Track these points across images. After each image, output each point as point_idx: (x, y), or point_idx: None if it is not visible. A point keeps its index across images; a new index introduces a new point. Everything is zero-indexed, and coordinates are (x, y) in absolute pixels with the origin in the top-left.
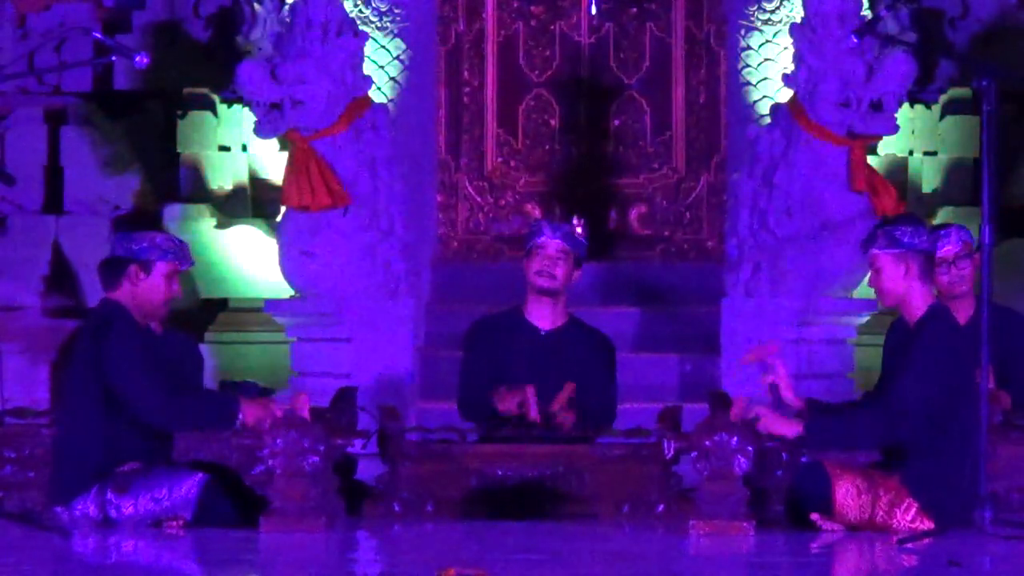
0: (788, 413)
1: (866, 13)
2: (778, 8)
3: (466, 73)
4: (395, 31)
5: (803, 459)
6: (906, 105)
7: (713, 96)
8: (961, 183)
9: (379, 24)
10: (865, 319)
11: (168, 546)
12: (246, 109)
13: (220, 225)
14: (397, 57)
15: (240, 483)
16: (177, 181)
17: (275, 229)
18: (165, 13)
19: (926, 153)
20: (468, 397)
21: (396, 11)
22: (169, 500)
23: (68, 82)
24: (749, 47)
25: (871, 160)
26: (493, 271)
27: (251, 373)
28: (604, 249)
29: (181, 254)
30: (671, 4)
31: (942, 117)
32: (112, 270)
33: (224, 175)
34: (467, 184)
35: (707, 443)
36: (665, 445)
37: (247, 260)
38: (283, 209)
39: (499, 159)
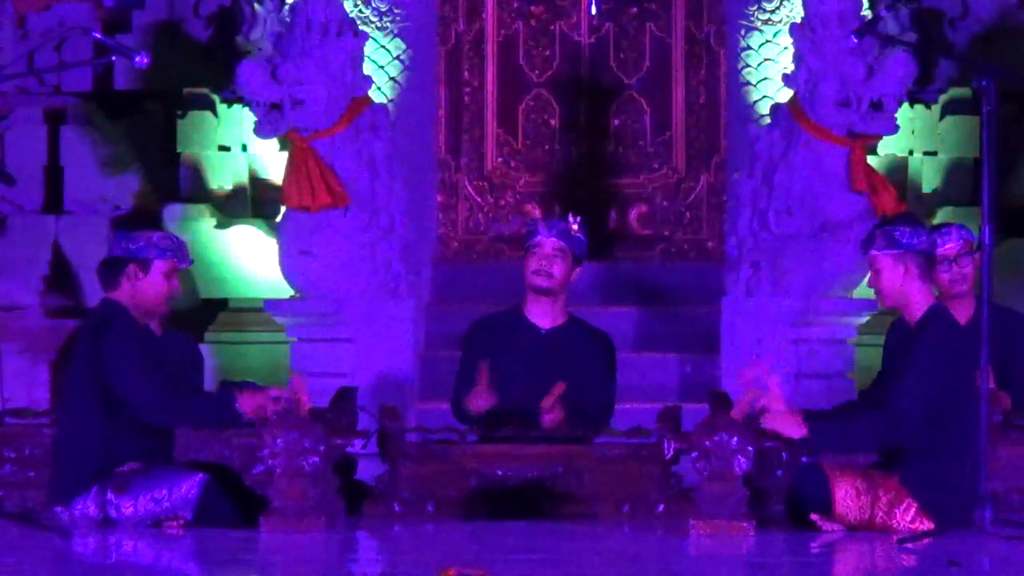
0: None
1: (866, 13)
2: (778, 8)
3: (466, 73)
4: (395, 31)
5: (803, 459)
6: (906, 105)
7: (713, 96)
8: (961, 183)
9: (379, 24)
10: (865, 319)
11: (168, 546)
12: (246, 109)
13: (220, 225)
14: (397, 57)
15: (240, 483)
16: (177, 181)
17: (275, 229)
18: (165, 13)
19: (926, 153)
20: (461, 399)
21: (396, 11)
22: (169, 500)
23: (68, 82)
24: (749, 47)
25: (871, 160)
26: (493, 271)
27: (251, 373)
28: (604, 249)
29: (179, 252)
30: (671, 4)
31: (942, 117)
32: (111, 270)
33: (224, 175)
34: (467, 184)
35: (707, 443)
36: (665, 445)
37: (247, 260)
38: (283, 209)
39: (499, 159)
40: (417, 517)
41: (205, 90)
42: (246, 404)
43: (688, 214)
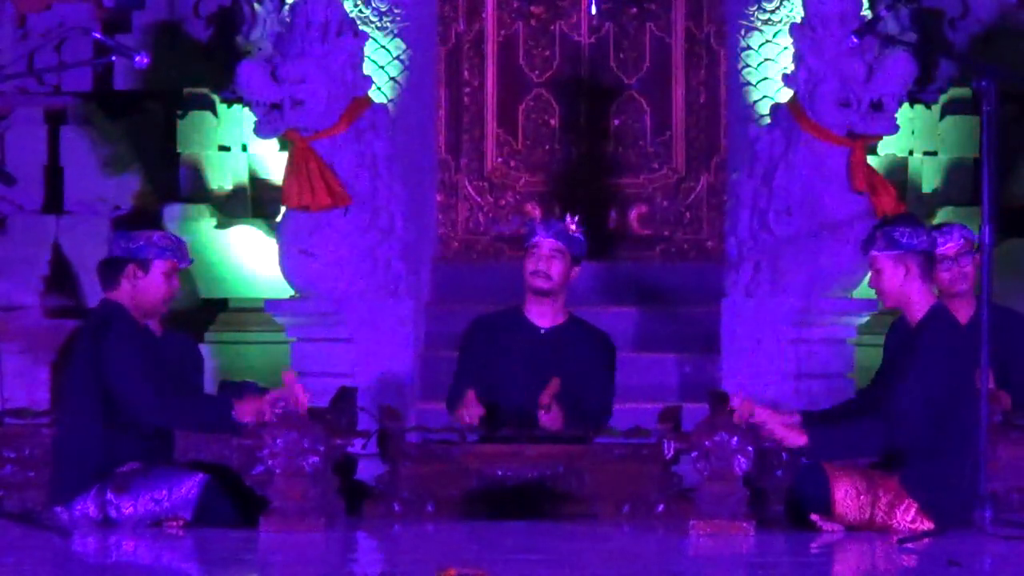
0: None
1: (866, 13)
2: (778, 8)
3: (466, 73)
4: (395, 31)
5: (803, 460)
6: (906, 105)
7: (713, 96)
8: (961, 183)
9: (379, 24)
10: (865, 319)
11: (168, 546)
12: (246, 109)
13: (220, 225)
14: (397, 57)
15: (240, 483)
16: (177, 181)
17: (275, 229)
18: (165, 13)
19: (926, 153)
20: (456, 398)
21: (396, 11)
22: (169, 500)
23: (68, 82)
24: (749, 47)
25: (871, 160)
26: (493, 271)
27: (251, 373)
28: (604, 249)
29: (179, 251)
30: (671, 4)
31: (942, 117)
32: (110, 270)
33: (224, 175)
34: (467, 184)
35: (707, 443)
36: (665, 445)
37: (247, 260)
38: (283, 209)
39: (499, 159)
40: (417, 517)
41: (205, 90)
42: (244, 414)
43: (688, 214)
